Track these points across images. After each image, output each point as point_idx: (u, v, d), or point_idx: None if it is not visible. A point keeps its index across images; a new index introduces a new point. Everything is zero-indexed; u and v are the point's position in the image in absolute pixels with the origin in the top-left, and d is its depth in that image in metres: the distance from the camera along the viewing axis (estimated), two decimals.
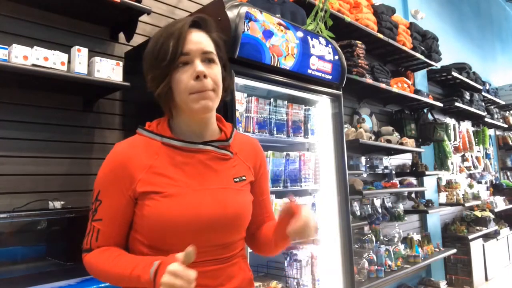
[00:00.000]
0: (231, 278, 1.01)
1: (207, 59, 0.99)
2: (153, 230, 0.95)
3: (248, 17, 1.81)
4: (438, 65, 4.85)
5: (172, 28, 0.98)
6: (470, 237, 4.95)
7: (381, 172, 3.87)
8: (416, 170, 4.30)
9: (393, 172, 4.05)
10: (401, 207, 4.06)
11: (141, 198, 0.96)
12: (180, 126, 1.03)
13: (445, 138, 4.76)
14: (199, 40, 0.99)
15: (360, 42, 3.33)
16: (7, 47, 1.57)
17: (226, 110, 1.72)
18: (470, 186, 5.88)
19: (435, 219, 4.83)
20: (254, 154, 1.14)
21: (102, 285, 1.48)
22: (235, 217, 1.01)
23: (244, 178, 1.07)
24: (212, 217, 0.96)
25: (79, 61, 1.74)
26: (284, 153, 2.29)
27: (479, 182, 6.23)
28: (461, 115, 5.69)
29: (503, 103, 6.97)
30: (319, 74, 2.21)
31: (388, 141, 3.68)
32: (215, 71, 1.00)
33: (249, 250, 1.37)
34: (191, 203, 0.95)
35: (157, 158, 0.98)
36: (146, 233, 0.97)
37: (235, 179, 1.04)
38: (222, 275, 0.99)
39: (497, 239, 5.66)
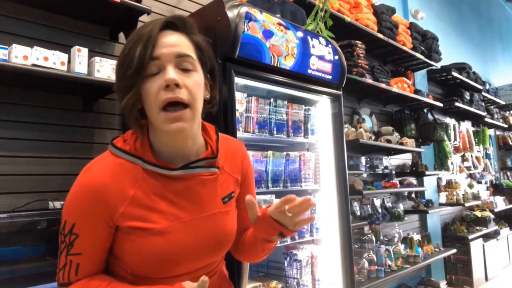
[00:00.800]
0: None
1: (183, 66, 0.84)
2: (137, 265, 0.87)
3: (248, 17, 1.81)
4: (438, 65, 4.85)
5: (143, 31, 0.83)
6: (470, 237, 4.95)
7: (381, 172, 3.87)
8: (416, 170, 4.30)
9: (393, 172, 4.05)
10: (401, 207, 4.06)
11: (123, 231, 0.86)
12: (160, 147, 0.90)
13: (445, 138, 4.76)
14: (174, 43, 0.84)
15: (360, 42, 3.33)
16: (7, 47, 1.57)
17: (226, 110, 1.72)
18: (470, 186, 5.88)
19: (435, 219, 4.83)
20: (239, 162, 1.04)
21: None
22: (224, 242, 0.97)
23: (232, 195, 1.00)
24: (203, 247, 0.91)
25: (79, 61, 1.74)
26: (284, 153, 2.29)
27: (479, 182, 6.23)
28: (461, 115, 5.69)
29: (503, 103, 6.97)
30: (319, 74, 2.21)
31: (388, 141, 3.68)
32: (194, 79, 0.85)
33: None
34: (182, 238, 0.87)
35: (139, 187, 0.86)
36: (129, 264, 0.88)
37: (224, 200, 0.96)
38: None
39: (497, 239, 5.66)
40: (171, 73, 0.81)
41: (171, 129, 0.83)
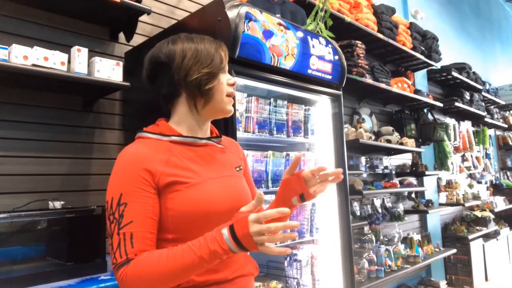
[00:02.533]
0: (245, 264, 1.10)
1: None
2: (179, 222, 0.98)
3: (248, 17, 1.80)
4: (438, 65, 4.85)
5: (219, 42, 1.15)
6: (470, 237, 4.95)
7: (381, 172, 3.87)
8: (416, 170, 4.30)
9: (393, 172, 4.05)
10: (401, 207, 4.06)
11: (164, 192, 0.98)
12: (184, 125, 1.12)
13: (445, 138, 4.76)
14: None
15: (360, 42, 3.33)
16: (7, 47, 1.57)
17: None
18: (470, 186, 5.88)
19: (435, 219, 4.83)
20: (237, 147, 1.29)
21: (102, 285, 1.48)
22: (245, 200, 1.09)
23: (241, 167, 1.20)
24: (231, 201, 1.05)
25: (79, 61, 1.74)
26: (284, 153, 2.29)
27: (479, 182, 6.23)
28: (461, 115, 5.69)
29: (503, 103, 6.97)
30: (319, 74, 2.21)
31: (388, 141, 3.68)
32: None
33: None
34: (214, 190, 1.03)
35: (172, 154, 1.03)
36: (171, 226, 0.98)
37: (236, 168, 1.17)
38: (238, 261, 1.07)
39: (497, 239, 5.66)
40: (234, 77, 1.19)
41: (230, 109, 1.14)
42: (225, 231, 0.86)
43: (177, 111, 1.12)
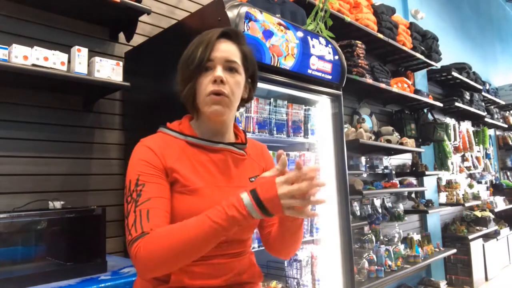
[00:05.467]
0: (242, 272, 1.07)
1: (230, 68, 1.05)
2: (177, 221, 0.95)
3: (248, 17, 1.80)
4: (438, 65, 4.85)
5: (205, 37, 1.06)
6: (470, 237, 4.95)
7: (381, 172, 3.87)
8: (416, 170, 4.30)
9: (393, 172, 4.05)
10: (401, 207, 4.06)
11: (171, 187, 0.99)
12: (201, 127, 1.10)
13: (445, 138, 4.76)
14: (226, 49, 1.06)
15: (360, 42, 3.33)
16: (7, 47, 1.57)
17: None
18: (470, 186, 5.88)
19: (435, 219, 4.83)
20: (262, 155, 1.22)
21: (102, 285, 1.48)
22: None
23: (258, 176, 1.12)
24: None
25: (79, 61, 1.74)
26: (284, 153, 2.28)
27: (479, 182, 6.23)
28: (461, 115, 5.69)
29: (503, 103, 6.97)
30: (319, 74, 2.21)
31: (388, 141, 3.68)
32: (235, 79, 1.06)
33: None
34: (215, 198, 0.97)
35: (184, 153, 1.04)
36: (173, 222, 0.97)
37: (250, 179, 1.11)
38: (235, 268, 1.05)
39: (497, 239, 5.66)
40: (219, 71, 1.03)
41: (211, 110, 1.03)
42: (244, 195, 0.84)
43: (197, 112, 1.11)
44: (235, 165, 1.09)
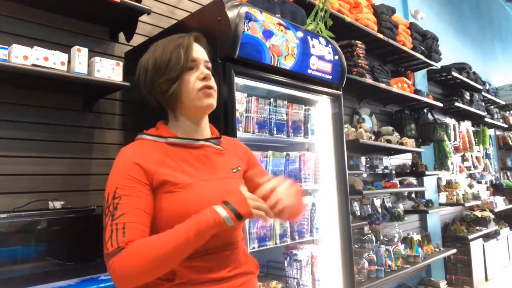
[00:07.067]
0: (241, 263, 1.11)
1: (207, 67, 1.15)
2: (171, 222, 0.97)
3: (248, 17, 1.80)
4: (438, 65, 4.85)
5: (179, 40, 1.12)
6: (470, 237, 4.95)
7: (381, 172, 3.87)
8: (416, 170, 4.30)
9: (393, 172, 4.05)
10: (401, 207, 4.06)
11: (158, 191, 1.01)
12: (181, 127, 1.14)
13: (445, 138, 4.75)
14: (201, 52, 1.16)
15: (360, 42, 3.33)
16: (7, 47, 1.57)
17: (226, 110, 1.72)
18: (470, 186, 5.88)
19: (435, 219, 4.83)
20: (237, 147, 1.29)
21: (102, 285, 1.48)
22: None
23: (239, 168, 1.20)
24: None
25: (79, 61, 1.74)
26: (284, 153, 2.28)
27: (479, 182, 6.23)
28: (461, 115, 5.69)
29: (503, 103, 6.97)
30: (319, 74, 2.21)
31: (388, 141, 3.68)
32: (212, 77, 1.16)
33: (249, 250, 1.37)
34: (206, 191, 1.04)
35: (167, 155, 1.06)
36: (163, 226, 0.99)
37: (233, 170, 1.17)
38: (235, 260, 1.09)
39: (497, 239, 5.66)
40: (205, 69, 1.13)
41: (206, 103, 1.11)
42: (222, 212, 0.94)
43: (169, 116, 1.16)
44: (217, 159, 1.15)
